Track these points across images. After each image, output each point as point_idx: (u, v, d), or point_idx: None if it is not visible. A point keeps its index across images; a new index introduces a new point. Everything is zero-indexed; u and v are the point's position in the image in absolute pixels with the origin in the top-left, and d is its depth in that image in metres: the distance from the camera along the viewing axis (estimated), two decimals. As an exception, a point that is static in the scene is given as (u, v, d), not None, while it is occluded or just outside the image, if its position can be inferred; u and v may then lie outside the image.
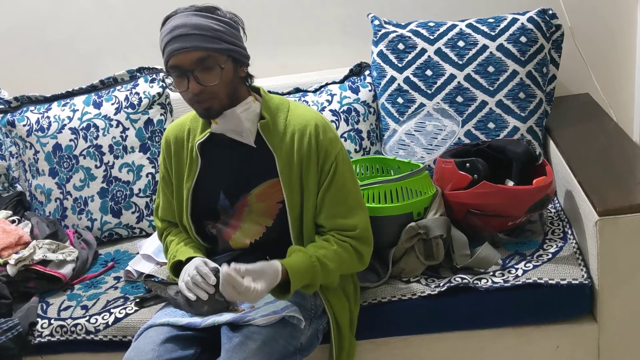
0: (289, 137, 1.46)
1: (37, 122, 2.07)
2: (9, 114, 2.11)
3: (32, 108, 2.11)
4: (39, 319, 1.73)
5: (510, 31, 1.94)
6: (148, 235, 2.05)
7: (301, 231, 1.47)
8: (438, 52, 1.97)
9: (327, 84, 2.08)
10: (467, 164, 1.68)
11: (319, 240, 1.46)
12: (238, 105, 1.43)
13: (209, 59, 1.35)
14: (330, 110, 2.01)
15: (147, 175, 2.05)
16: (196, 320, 1.42)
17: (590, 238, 1.54)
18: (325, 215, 1.46)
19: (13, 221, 1.99)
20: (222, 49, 1.37)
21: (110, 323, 1.67)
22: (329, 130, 1.47)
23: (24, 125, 2.07)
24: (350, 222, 1.45)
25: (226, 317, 1.42)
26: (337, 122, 2.01)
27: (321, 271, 1.39)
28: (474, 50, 1.95)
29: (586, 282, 1.55)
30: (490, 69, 1.93)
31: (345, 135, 2.01)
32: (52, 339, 1.70)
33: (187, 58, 1.34)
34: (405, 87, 1.98)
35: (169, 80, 1.41)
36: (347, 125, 2.01)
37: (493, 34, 1.95)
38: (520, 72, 1.93)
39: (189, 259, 1.50)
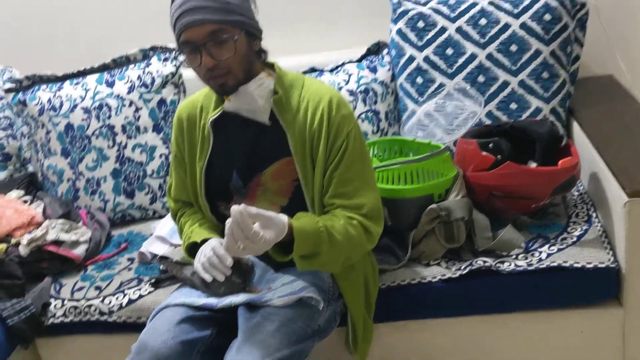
0: (302, 113, 1.41)
1: (49, 101, 2.04)
2: (20, 93, 2.07)
3: (43, 87, 2.07)
4: (52, 300, 1.71)
5: (534, 9, 1.88)
6: (162, 217, 2.02)
7: (320, 210, 1.43)
8: (459, 30, 1.91)
9: (343, 64, 2.03)
10: (490, 145, 1.64)
11: (326, 215, 1.40)
12: (251, 82, 1.38)
13: (221, 32, 1.31)
14: (347, 90, 1.97)
15: (160, 156, 2.02)
16: (212, 301, 1.39)
17: (618, 220, 1.50)
18: (330, 195, 1.40)
19: (25, 201, 1.97)
20: (234, 20, 1.32)
21: (124, 304, 1.64)
22: (343, 107, 1.42)
23: (36, 105, 2.04)
24: (357, 201, 1.38)
25: (243, 297, 1.39)
26: (354, 103, 1.96)
27: (327, 240, 1.30)
28: (496, 29, 1.89)
29: (613, 265, 1.51)
30: (513, 47, 1.88)
31: (363, 116, 1.96)
32: (65, 320, 1.68)
33: (198, 32, 1.30)
34: (425, 66, 1.93)
35: (182, 57, 1.37)
36: (365, 105, 1.96)
37: (516, 11, 1.89)
38: (544, 51, 1.87)
39: (204, 241, 1.46)
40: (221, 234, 1.50)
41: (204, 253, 1.42)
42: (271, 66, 1.46)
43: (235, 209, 1.18)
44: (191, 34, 1.31)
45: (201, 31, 1.30)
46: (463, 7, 1.93)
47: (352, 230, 1.36)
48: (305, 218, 1.32)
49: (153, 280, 1.64)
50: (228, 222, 1.21)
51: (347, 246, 1.35)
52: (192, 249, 1.50)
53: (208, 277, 1.40)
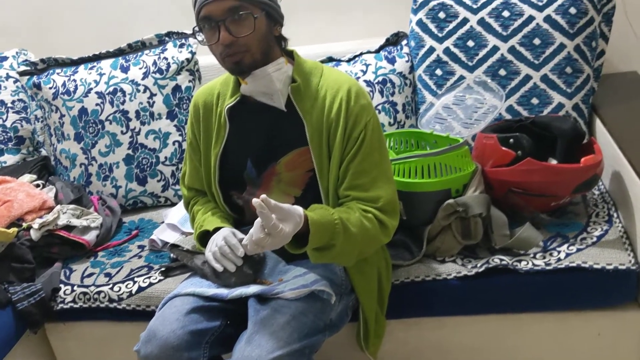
0: (320, 102, 1.38)
1: (64, 85, 2.02)
2: (35, 76, 2.06)
3: (58, 70, 2.06)
4: (61, 285, 1.70)
5: (559, 1, 1.83)
6: (173, 204, 2.01)
7: (335, 201, 1.40)
8: (481, 22, 1.87)
9: (361, 54, 2.00)
10: (511, 140, 1.60)
11: (341, 207, 1.37)
12: (269, 64, 1.36)
13: (241, 8, 1.29)
14: (365, 81, 1.93)
15: (173, 143, 2.00)
16: (223, 292, 1.37)
17: (641, 221, 1.46)
18: (346, 187, 1.37)
19: (37, 185, 1.96)
20: (255, 0, 1.30)
21: (134, 292, 1.63)
22: (362, 96, 1.39)
23: (50, 88, 2.02)
24: (373, 194, 1.36)
25: (254, 289, 1.36)
26: (371, 94, 1.92)
27: (342, 233, 1.28)
28: (519, 21, 1.84)
29: (634, 267, 1.46)
30: (536, 41, 1.83)
31: (380, 107, 1.93)
32: (75, 305, 1.67)
33: (218, 7, 1.28)
34: (445, 58, 1.89)
35: (200, 37, 1.35)
36: (382, 97, 1.93)
37: (540, 4, 1.84)
38: (568, 45, 1.82)
39: (216, 229, 1.44)
40: (234, 223, 1.49)
41: (215, 242, 1.40)
42: (290, 54, 1.43)
43: (255, 200, 1.16)
44: (211, 9, 1.29)
45: (221, 6, 1.28)
46: (486, -2, 1.89)
47: (367, 223, 1.33)
48: (320, 210, 1.30)
49: (163, 269, 1.62)
50: (257, 221, 1.20)
51: (362, 239, 1.32)
52: (204, 237, 1.48)
53: (219, 267, 1.38)
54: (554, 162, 1.62)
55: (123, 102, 1.98)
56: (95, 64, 2.05)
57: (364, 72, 1.94)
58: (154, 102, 1.99)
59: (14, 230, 1.71)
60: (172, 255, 1.66)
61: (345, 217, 1.30)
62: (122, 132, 1.99)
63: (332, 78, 1.41)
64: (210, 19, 1.30)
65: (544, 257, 1.51)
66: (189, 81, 2.03)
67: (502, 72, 1.85)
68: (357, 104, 1.37)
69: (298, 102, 1.39)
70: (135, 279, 1.66)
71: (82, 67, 2.05)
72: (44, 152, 2.19)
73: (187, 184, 1.59)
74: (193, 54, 2.04)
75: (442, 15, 1.90)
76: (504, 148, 1.59)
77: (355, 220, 1.31)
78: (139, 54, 2.05)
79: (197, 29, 1.34)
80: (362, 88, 1.41)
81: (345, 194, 1.38)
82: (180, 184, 1.65)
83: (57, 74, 2.05)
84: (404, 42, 2.00)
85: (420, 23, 1.93)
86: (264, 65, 1.35)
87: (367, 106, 1.39)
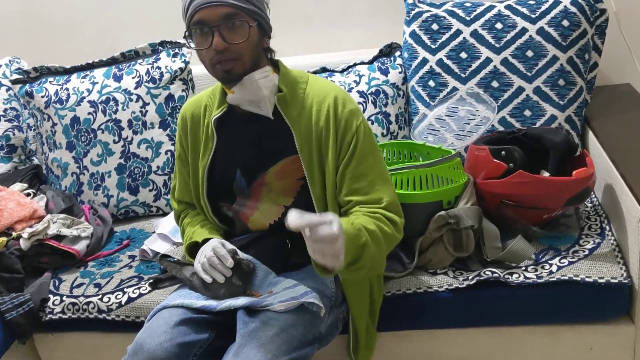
0: (307, 110, 1.39)
1: (56, 93, 2.01)
2: (27, 85, 2.05)
3: (51, 79, 2.05)
4: (50, 295, 1.68)
5: (552, 14, 1.84)
6: (165, 214, 2.00)
7: (326, 209, 1.39)
8: (474, 34, 1.87)
9: (355, 65, 2.00)
10: (503, 152, 1.59)
11: (350, 217, 1.34)
12: (256, 71, 1.36)
13: (236, 16, 1.29)
14: (358, 92, 1.93)
15: (166, 153, 1.99)
16: (211, 304, 1.36)
17: (633, 235, 1.45)
18: (345, 192, 1.36)
19: (28, 194, 1.95)
20: (250, 9, 1.31)
21: (123, 303, 1.61)
22: (349, 102, 1.39)
23: (42, 97, 2.02)
24: (374, 196, 1.35)
25: (243, 301, 1.35)
26: (364, 104, 1.92)
27: (370, 240, 1.24)
28: (512, 33, 1.85)
29: (626, 281, 1.46)
30: (529, 53, 1.83)
31: (373, 118, 1.92)
32: (64, 316, 1.65)
33: (214, 12, 1.28)
34: (438, 69, 1.89)
35: (193, 44, 1.34)
36: (375, 107, 1.93)
37: (533, 16, 1.85)
38: (561, 57, 1.82)
39: (205, 241, 1.43)
40: (224, 235, 1.48)
41: (204, 253, 1.39)
42: (275, 64, 1.43)
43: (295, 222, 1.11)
44: (206, 14, 1.29)
45: (216, 12, 1.28)
46: (479, 10, 1.89)
47: (379, 222, 1.31)
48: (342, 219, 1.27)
49: (151, 281, 1.61)
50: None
51: (383, 238, 1.30)
52: (193, 249, 1.47)
53: (208, 278, 1.37)
54: (546, 174, 1.62)
55: (115, 111, 1.98)
56: (88, 72, 2.05)
57: (357, 83, 1.94)
58: (146, 112, 1.98)
59: (3, 239, 1.70)
60: (161, 265, 1.65)
61: (359, 222, 1.27)
62: (114, 141, 1.98)
63: (317, 86, 1.41)
64: (204, 23, 1.30)
65: (536, 270, 1.50)
66: (182, 90, 2.03)
67: (495, 84, 1.85)
68: (345, 110, 1.37)
69: (285, 111, 1.39)
70: (125, 290, 1.64)
71: (74, 75, 2.05)
72: (35, 161, 2.18)
73: (177, 197, 1.58)
74: (186, 63, 2.04)
75: (435, 27, 1.90)
76: (496, 160, 1.59)
77: (368, 221, 1.29)
78: (132, 63, 2.04)
79: (187, 33, 1.34)
80: (348, 95, 1.42)
81: (346, 200, 1.37)
82: (170, 197, 1.64)
83: (50, 82, 2.04)
84: (397, 53, 2.00)
85: (413, 34, 1.93)
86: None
87: (355, 111, 1.39)
